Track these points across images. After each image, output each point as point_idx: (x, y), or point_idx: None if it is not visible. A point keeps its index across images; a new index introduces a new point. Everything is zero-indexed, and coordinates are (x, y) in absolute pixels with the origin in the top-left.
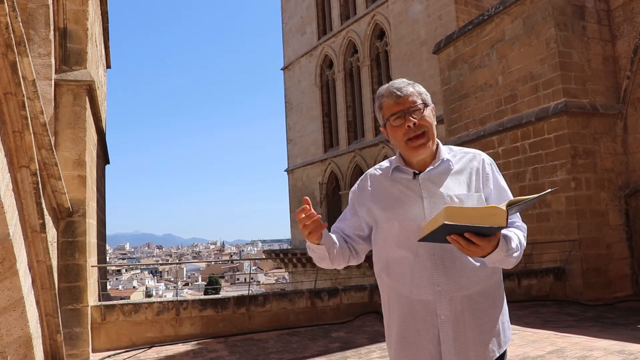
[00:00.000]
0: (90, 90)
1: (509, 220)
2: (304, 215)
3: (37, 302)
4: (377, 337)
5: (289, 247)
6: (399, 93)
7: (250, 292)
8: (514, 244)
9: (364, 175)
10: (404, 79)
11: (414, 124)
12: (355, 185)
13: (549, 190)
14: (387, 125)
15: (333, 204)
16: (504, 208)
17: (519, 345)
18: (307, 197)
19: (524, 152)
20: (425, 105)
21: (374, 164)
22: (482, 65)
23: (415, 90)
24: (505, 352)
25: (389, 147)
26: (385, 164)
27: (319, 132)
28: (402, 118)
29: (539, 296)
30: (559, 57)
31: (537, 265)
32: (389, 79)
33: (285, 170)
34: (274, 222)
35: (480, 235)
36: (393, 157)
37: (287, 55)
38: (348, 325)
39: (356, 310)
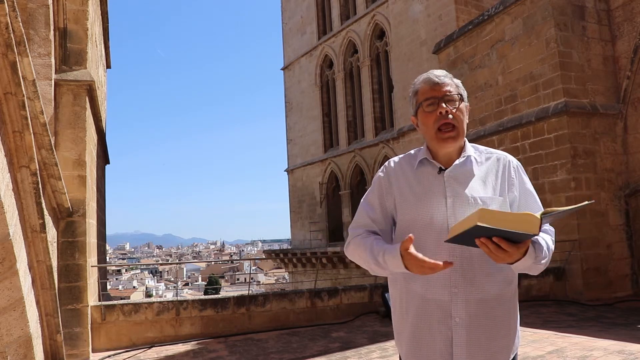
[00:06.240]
0: (90, 90)
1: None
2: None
3: (37, 302)
4: (377, 337)
5: (289, 247)
6: (436, 80)
7: (250, 292)
8: (543, 251)
9: (387, 163)
10: (444, 70)
11: (447, 111)
12: (380, 172)
13: (586, 202)
14: (418, 112)
15: (333, 204)
16: (538, 216)
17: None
18: (412, 236)
19: (524, 152)
20: (461, 99)
21: (374, 164)
22: (482, 65)
23: (453, 82)
24: (515, 357)
25: (389, 147)
26: (410, 155)
27: (319, 132)
28: (435, 105)
29: (539, 296)
30: (559, 57)
31: None
32: (389, 79)
33: (285, 170)
34: (274, 222)
35: (509, 241)
36: (418, 149)
37: (287, 55)
38: (348, 325)
39: (356, 310)
